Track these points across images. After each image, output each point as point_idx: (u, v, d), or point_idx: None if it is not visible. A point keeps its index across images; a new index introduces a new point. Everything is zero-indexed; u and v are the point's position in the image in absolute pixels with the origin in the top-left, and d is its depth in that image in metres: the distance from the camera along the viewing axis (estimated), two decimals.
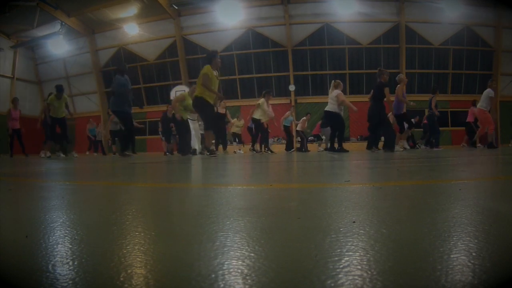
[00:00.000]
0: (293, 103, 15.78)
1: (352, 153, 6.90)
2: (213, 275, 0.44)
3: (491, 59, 16.72)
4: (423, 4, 15.61)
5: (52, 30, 16.89)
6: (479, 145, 9.97)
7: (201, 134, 8.08)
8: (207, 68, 5.97)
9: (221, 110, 10.36)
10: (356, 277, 0.42)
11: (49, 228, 0.75)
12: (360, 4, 15.42)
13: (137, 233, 0.69)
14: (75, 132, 18.21)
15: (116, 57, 18.77)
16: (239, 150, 12.05)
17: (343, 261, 0.48)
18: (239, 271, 0.46)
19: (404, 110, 8.13)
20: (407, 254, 0.52)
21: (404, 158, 4.03)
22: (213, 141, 7.78)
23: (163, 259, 0.52)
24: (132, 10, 16.60)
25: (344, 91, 8.01)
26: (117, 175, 2.63)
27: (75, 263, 0.50)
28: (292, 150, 11.62)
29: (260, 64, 17.29)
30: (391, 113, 8.18)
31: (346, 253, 0.52)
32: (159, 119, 12.10)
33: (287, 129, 11.90)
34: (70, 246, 0.60)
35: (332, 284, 0.40)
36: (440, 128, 10.17)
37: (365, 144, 14.07)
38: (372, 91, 7.70)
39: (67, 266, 0.49)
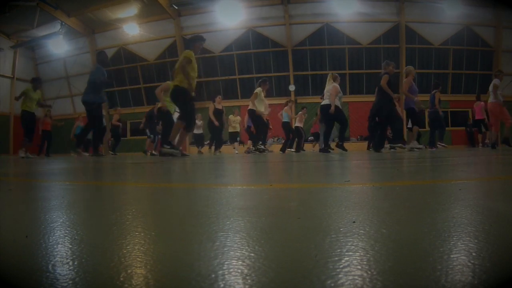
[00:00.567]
0: (292, 99, 15.61)
1: (352, 153, 6.90)
2: (213, 275, 0.44)
3: (491, 59, 16.72)
4: (423, 4, 15.61)
5: (52, 30, 16.90)
6: (487, 141, 9.59)
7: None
8: (189, 53, 5.44)
9: (218, 106, 10.26)
10: (356, 277, 0.42)
11: (49, 228, 0.75)
12: (360, 4, 15.42)
13: (137, 233, 0.69)
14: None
15: (116, 57, 18.78)
16: (234, 149, 11.59)
17: (343, 261, 0.48)
18: (239, 271, 0.46)
19: (415, 107, 7.71)
20: (407, 254, 0.52)
21: (405, 158, 4.03)
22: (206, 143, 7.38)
23: (163, 259, 0.52)
24: (132, 10, 16.60)
25: (344, 91, 7.84)
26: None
27: (75, 263, 0.50)
28: (291, 149, 10.89)
29: (260, 64, 17.29)
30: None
31: (346, 253, 0.52)
32: (144, 116, 11.51)
33: (287, 126, 10.90)
34: (70, 246, 0.60)
35: (332, 284, 0.40)
36: None
37: (364, 144, 14.07)
38: (377, 87, 7.25)
39: (67, 266, 0.49)
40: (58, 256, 0.55)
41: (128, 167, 3.62)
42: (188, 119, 5.67)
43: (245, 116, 10.95)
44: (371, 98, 7.68)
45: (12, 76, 18.88)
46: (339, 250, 0.53)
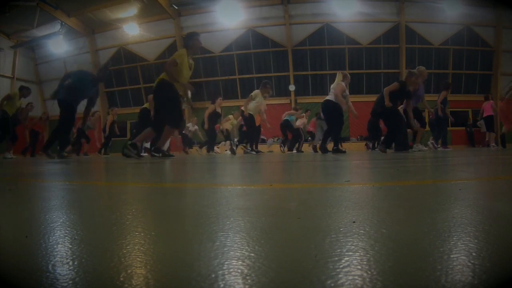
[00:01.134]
0: (293, 99, 15.49)
1: (352, 153, 6.89)
2: (213, 275, 0.44)
3: (491, 59, 16.72)
4: (423, 4, 15.61)
5: (52, 30, 16.90)
6: (493, 144, 9.52)
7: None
8: (178, 54, 5.19)
9: (218, 109, 10.07)
10: (356, 277, 0.42)
11: (49, 228, 0.75)
12: (360, 4, 15.42)
13: (137, 233, 0.69)
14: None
15: (116, 57, 18.78)
16: (226, 150, 11.17)
17: (343, 261, 0.48)
18: (239, 271, 0.46)
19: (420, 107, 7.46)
20: (407, 254, 0.52)
21: (405, 159, 4.03)
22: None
23: (163, 259, 0.52)
24: (132, 10, 16.61)
25: None
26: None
27: (75, 263, 0.50)
28: (292, 150, 10.64)
29: (260, 64, 17.30)
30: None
31: (346, 253, 0.52)
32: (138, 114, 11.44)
33: (287, 124, 10.63)
34: (70, 246, 0.60)
35: (332, 284, 0.40)
36: None
37: (364, 144, 14.05)
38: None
39: (67, 266, 0.49)
40: (58, 256, 0.55)
41: (125, 167, 3.62)
42: (171, 115, 5.20)
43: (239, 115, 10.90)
44: (371, 98, 7.55)
45: (12, 76, 18.89)
46: (339, 250, 0.53)
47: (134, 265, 0.49)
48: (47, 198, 1.31)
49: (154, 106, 5.72)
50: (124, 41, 18.19)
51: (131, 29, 17.32)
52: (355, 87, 16.61)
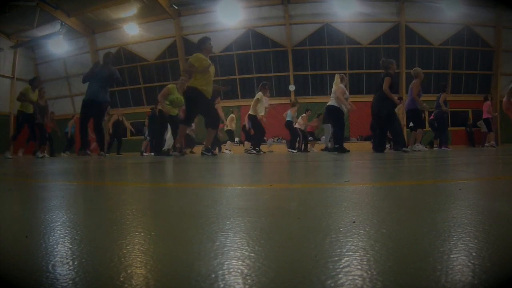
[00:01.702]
0: (293, 99, 15.45)
1: (352, 153, 6.89)
2: (213, 275, 0.44)
3: (491, 59, 16.71)
4: (423, 4, 15.60)
5: (52, 30, 16.89)
6: (492, 143, 9.53)
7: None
8: (194, 58, 5.61)
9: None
10: (356, 277, 0.42)
11: (49, 228, 0.75)
12: (360, 4, 15.41)
13: (137, 233, 0.69)
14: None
15: (116, 57, 18.77)
16: (227, 150, 11.24)
17: (343, 261, 0.48)
18: (239, 271, 0.46)
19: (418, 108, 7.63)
20: (407, 254, 0.52)
21: (405, 159, 4.03)
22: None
23: (163, 259, 0.52)
24: (132, 10, 16.59)
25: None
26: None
27: (75, 263, 0.50)
28: (295, 150, 10.71)
29: (260, 64, 17.29)
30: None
31: (346, 253, 0.52)
32: (147, 116, 11.45)
33: (289, 125, 10.78)
34: (70, 246, 0.60)
35: (332, 284, 0.40)
36: None
37: (364, 144, 14.06)
38: (377, 88, 7.17)
39: (67, 266, 0.49)
40: (58, 256, 0.55)
41: (131, 167, 3.62)
42: (208, 117, 5.82)
43: (246, 118, 10.88)
44: (371, 98, 7.57)
45: (12, 76, 18.87)
46: (339, 250, 0.53)
47: (134, 265, 0.49)
48: (59, 197, 1.31)
49: (187, 111, 6.06)
50: (124, 41, 18.18)
51: (131, 29, 17.31)
52: (355, 87, 16.61)
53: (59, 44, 18.07)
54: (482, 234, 0.62)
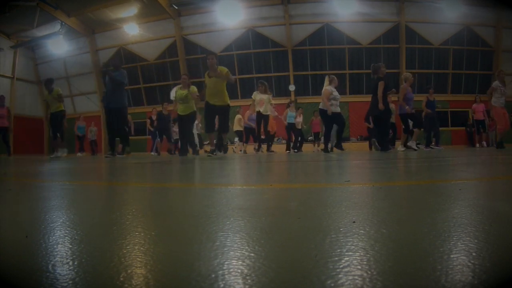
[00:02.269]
0: (293, 99, 15.49)
1: (352, 154, 6.89)
2: (213, 275, 0.44)
3: (491, 59, 16.71)
4: (423, 4, 15.59)
5: (52, 30, 16.88)
6: (483, 143, 9.69)
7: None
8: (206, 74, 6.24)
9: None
10: (356, 277, 0.42)
11: (49, 228, 0.75)
12: (360, 4, 15.41)
13: (137, 233, 0.69)
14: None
15: (116, 57, 18.77)
16: (241, 150, 11.23)
17: (343, 261, 0.48)
18: (239, 271, 0.46)
19: (412, 110, 7.88)
20: (407, 254, 0.52)
21: (405, 159, 4.03)
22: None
23: (163, 259, 0.52)
24: (132, 10, 16.59)
25: (344, 91, 7.88)
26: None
27: (75, 263, 0.50)
28: (295, 150, 10.87)
29: (260, 64, 17.28)
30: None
31: (346, 253, 0.52)
32: (155, 117, 11.71)
33: (292, 127, 10.96)
34: (70, 246, 0.60)
35: (332, 284, 0.40)
36: (440, 128, 10.01)
37: (365, 144, 14.07)
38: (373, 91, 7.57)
39: (67, 266, 0.49)
40: (58, 256, 0.55)
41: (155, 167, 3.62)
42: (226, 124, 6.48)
43: (246, 113, 10.99)
44: (371, 98, 7.71)
45: (12, 76, 18.87)
46: (339, 250, 0.53)
47: (134, 265, 0.49)
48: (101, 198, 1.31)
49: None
50: (124, 41, 18.17)
51: (131, 29, 17.30)
52: (355, 87, 16.61)
53: (59, 44, 18.07)
54: (482, 234, 0.62)
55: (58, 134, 8.16)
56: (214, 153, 6.09)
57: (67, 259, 0.53)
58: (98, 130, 15.82)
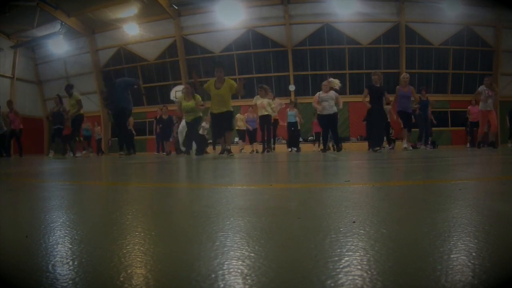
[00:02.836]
0: (293, 99, 15.49)
1: (352, 153, 6.90)
2: (213, 275, 0.44)
3: (491, 59, 16.71)
4: (423, 4, 15.60)
5: (52, 30, 16.88)
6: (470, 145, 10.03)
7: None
8: (209, 82, 6.40)
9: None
10: (356, 277, 0.42)
11: (49, 228, 0.75)
12: (360, 4, 15.41)
13: (137, 233, 0.69)
14: None
15: (116, 57, 18.77)
16: (256, 150, 10.95)
17: (343, 261, 0.48)
18: (239, 271, 0.46)
19: (409, 110, 8.14)
20: (407, 254, 0.52)
21: (404, 158, 4.03)
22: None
23: (163, 259, 0.52)
24: (132, 10, 16.59)
25: (344, 91, 8.14)
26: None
27: (75, 263, 0.50)
28: (295, 149, 10.73)
29: (260, 64, 17.28)
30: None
31: (346, 253, 0.52)
32: (157, 119, 12.22)
33: (293, 126, 10.95)
34: (70, 246, 0.60)
35: (332, 284, 0.40)
36: (440, 128, 10.18)
37: (364, 144, 14.09)
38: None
39: (67, 266, 0.49)
40: (58, 256, 0.55)
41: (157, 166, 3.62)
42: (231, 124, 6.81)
43: (245, 114, 11.10)
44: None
45: (12, 76, 18.86)
46: (339, 250, 0.53)
47: (134, 265, 0.49)
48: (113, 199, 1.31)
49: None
50: (124, 41, 18.17)
51: (131, 29, 17.30)
52: (355, 87, 16.60)
53: (59, 44, 18.07)
54: (482, 234, 0.62)
55: (80, 138, 8.76)
56: (230, 154, 6.33)
57: (67, 259, 0.53)
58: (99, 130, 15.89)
